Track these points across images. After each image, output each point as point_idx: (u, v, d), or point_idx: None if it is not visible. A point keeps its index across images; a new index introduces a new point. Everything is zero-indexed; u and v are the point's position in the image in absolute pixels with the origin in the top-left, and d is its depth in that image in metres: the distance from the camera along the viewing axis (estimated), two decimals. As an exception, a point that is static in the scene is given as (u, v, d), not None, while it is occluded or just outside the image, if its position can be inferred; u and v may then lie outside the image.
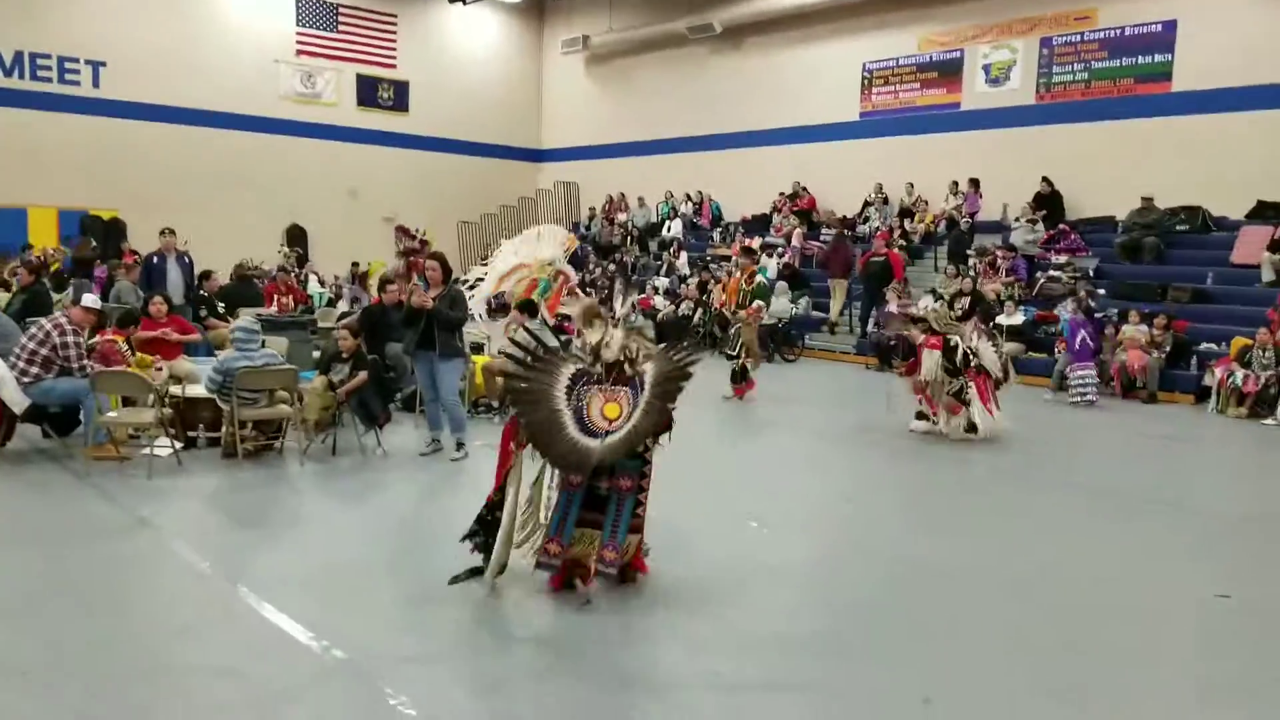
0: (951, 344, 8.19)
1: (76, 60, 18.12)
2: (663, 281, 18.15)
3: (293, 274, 16.08)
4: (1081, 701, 3.54)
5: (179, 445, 6.76)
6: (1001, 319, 12.97)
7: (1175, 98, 14.40)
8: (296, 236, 20.98)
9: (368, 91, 22.33)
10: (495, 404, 9.02)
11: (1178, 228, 14.09)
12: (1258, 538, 5.83)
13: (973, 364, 8.25)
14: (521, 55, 24.69)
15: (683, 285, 16.67)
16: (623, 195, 22.14)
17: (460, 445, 7.14)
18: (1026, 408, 10.74)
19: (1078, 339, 11.14)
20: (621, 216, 21.73)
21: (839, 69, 18.41)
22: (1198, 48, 14.18)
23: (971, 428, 8.23)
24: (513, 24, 24.39)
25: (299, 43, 21.16)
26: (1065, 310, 12.39)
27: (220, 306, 10.94)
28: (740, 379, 10.22)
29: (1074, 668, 3.82)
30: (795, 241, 17.51)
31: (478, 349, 9.82)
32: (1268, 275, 12.52)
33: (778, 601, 4.48)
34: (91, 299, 7.08)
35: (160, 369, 7.22)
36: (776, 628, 4.15)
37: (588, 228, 22.48)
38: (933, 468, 7.52)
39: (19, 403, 6.37)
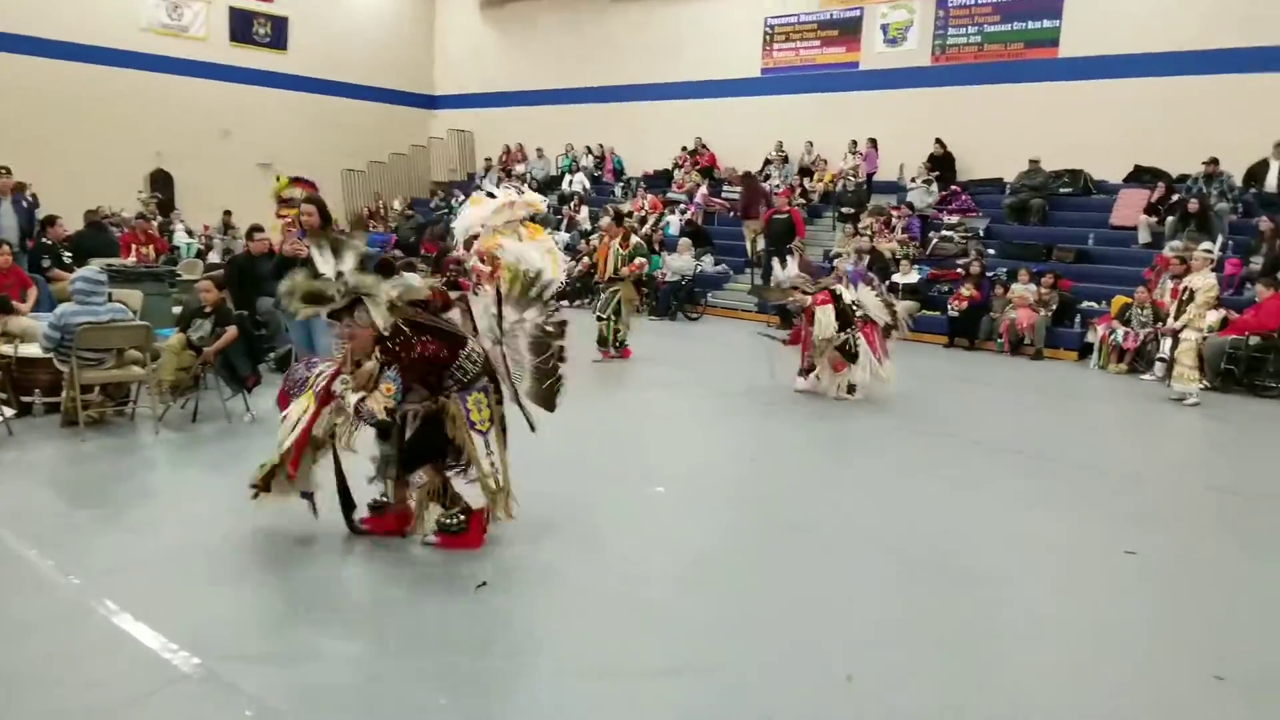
0: (837, 293, 8.05)
1: (-104, -22, 16.12)
2: (563, 237, 17.60)
3: (154, 221, 14.87)
4: (1005, 670, 3.41)
5: (10, 413, 6.00)
6: (897, 277, 13.07)
7: (1061, 63, 14.69)
8: (161, 182, 19.45)
9: (242, 26, 20.73)
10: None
11: (1061, 190, 14.46)
12: (1149, 492, 5.92)
13: (858, 314, 8.15)
14: (412, -6, 23.42)
15: (584, 241, 16.21)
16: (520, 146, 21.36)
17: (339, 409, 6.57)
18: (921, 362, 10.86)
19: None
20: (519, 168, 20.97)
21: (741, 24, 18.11)
22: (1083, 15, 14.47)
23: (851, 388, 8.17)
24: (402, -40, 23.08)
25: (163, -30, 19.42)
26: (848, 262, 12.81)
27: (67, 256, 9.89)
28: (612, 344, 9.75)
29: (993, 635, 3.70)
30: (699, 198, 17.24)
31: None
32: (1144, 237, 12.98)
33: (684, 576, 4.21)
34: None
35: None
36: (684, 605, 3.88)
37: (483, 179, 21.64)
38: (833, 426, 7.41)
39: None
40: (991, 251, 13.63)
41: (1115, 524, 5.17)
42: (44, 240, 10.03)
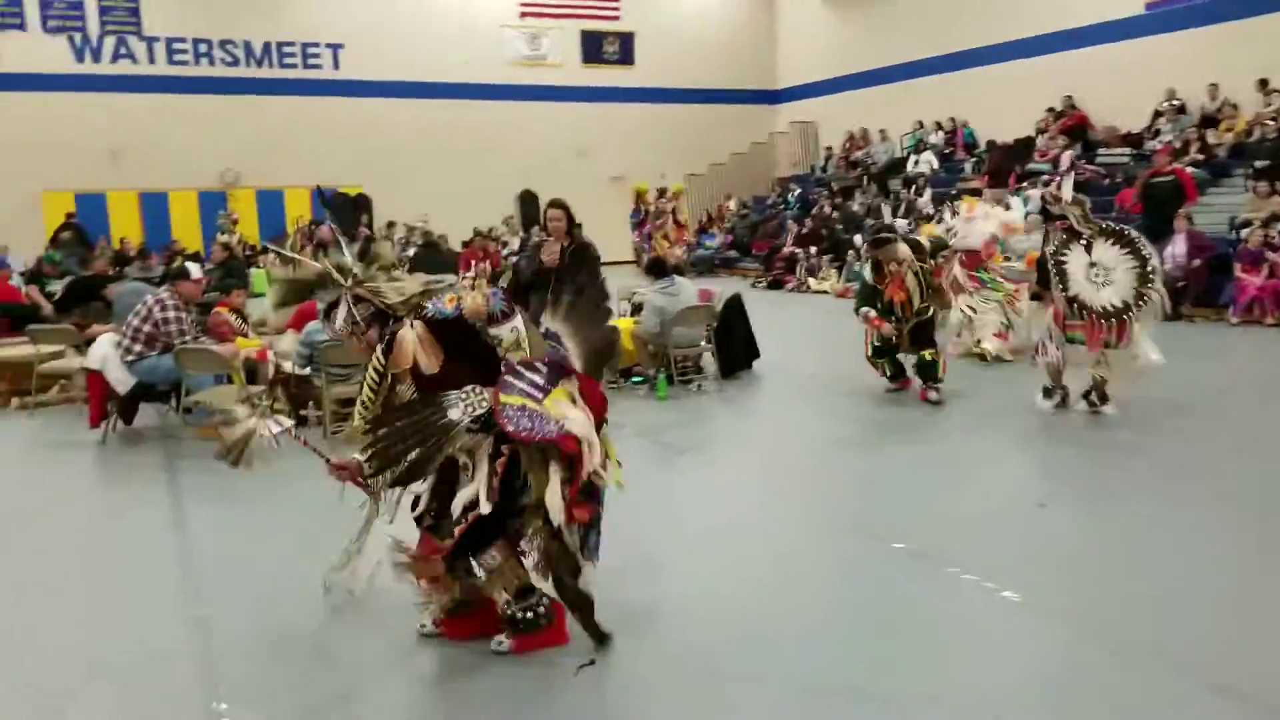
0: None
1: (317, 45, 19.21)
2: (901, 223, 15.94)
3: (498, 239, 16.01)
4: None
5: (290, 423, 6.31)
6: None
7: None
8: (528, 201, 21.02)
9: (592, 47, 21.91)
10: (651, 372, 7.99)
11: None
12: None
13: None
14: (750, -12, 23.06)
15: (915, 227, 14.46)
16: (864, 131, 19.93)
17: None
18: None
19: None
20: (860, 153, 19.59)
21: (1116, -49, 15.04)
22: None
23: (1101, 397, 6.16)
24: (738, -43, 22.82)
25: (522, 4, 21.06)
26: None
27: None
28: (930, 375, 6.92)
29: None
30: (1065, 166, 14.59)
31: (638, 309, 8.79)
32: None
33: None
34: (196, 269, 6.85)
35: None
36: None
37: (824, 169, 20.58)
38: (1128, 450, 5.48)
39: (123, 382, 6.22)
40: None
41: None
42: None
